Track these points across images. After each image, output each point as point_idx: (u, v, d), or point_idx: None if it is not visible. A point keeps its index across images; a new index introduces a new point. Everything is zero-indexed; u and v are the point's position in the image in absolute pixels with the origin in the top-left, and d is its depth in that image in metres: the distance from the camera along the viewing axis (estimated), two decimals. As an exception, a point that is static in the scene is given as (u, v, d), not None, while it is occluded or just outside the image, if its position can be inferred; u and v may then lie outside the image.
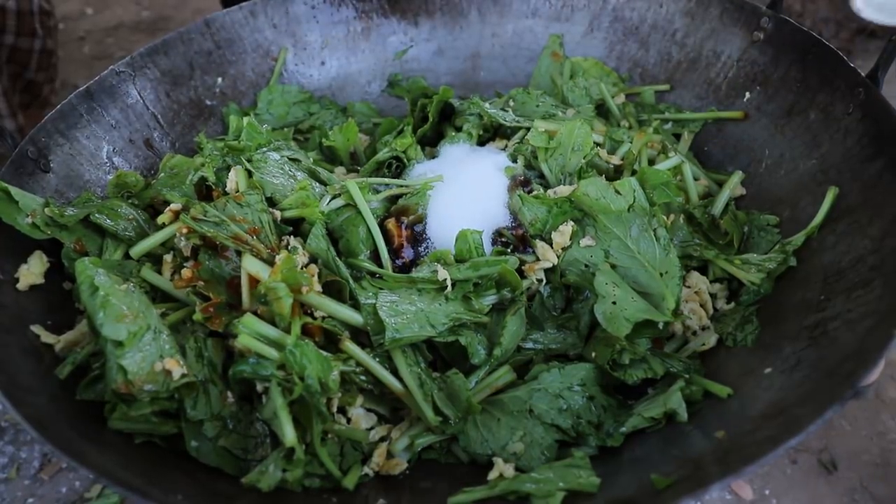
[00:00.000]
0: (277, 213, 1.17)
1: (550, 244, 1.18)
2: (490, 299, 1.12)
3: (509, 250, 1.20)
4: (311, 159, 1.37)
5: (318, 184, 1.27)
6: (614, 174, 1.31)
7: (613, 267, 1.12)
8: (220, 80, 1.58)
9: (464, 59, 1.72)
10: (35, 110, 1.97)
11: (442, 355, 1.12)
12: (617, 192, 1.14)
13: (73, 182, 1.30)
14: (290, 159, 1.29)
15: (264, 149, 1.28)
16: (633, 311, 1.05)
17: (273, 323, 1.00)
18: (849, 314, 0.98)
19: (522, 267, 1.17)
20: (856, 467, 1.16)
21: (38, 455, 1.24)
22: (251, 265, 1.03)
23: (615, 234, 1.14)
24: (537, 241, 1.18)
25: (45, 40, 1.92)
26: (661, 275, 1.10)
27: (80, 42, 2.59)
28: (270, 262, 1.06)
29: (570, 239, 1.17)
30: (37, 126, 1.26)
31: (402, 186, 1.28)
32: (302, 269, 1.07)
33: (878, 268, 1.00)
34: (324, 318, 1.05)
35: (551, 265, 1.16)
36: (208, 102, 1.57)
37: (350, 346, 1.02)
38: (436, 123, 1.49)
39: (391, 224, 1.22)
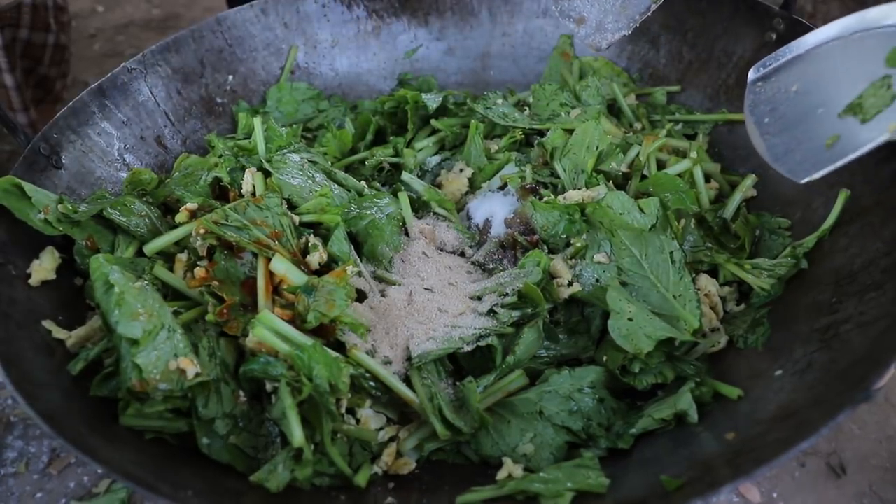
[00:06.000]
0: (296, 218, 1.17)
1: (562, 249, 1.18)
2: (516, 314, 1.12)
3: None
4: (330, 162, 1.38)
5: (336, 185, 1.27)
6: (622, 180, 1.31)
7: (624, 284, 1.12)
8: (230, 77, 1.59)
9: (474, 59, 1.72)
10: (47, 106, 1.98)
11: (460, 363, 1.12)
12: (641, 210, 1.14)
13: (85, 179, 1.30)
14: (308, 161, 1.30)
15: (284, 150, 1.28)
16: (654, 328, 1.05)
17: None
18: (861, 317, 0.97)
19: (548, 285, 1.16)
20: (865, 471, 1.15)
21: (46, 450, 1.25)
22: (280, 266, 1.04)
23: (631, 251, 1.13)
24: (554, 259, 1.18)
25: (59, 35, 1.93)
26: (675, 297, 1.10)
27: (90, 39, 2.60)
28: (295, 265, 1.07)
29: (582, 252, 1.17)
30: (49, 123, 1.27)
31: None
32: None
33: (890, 270, 0.99)
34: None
35: (567, 282, 1.16)
36: (219, 100, 1.57)
37: (358, 356, 1.02)
38: (417, 128, 1.51)
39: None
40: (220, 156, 1.31)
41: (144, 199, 1.24)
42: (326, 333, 1.02)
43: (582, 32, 1.30)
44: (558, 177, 1.29)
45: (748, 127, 1.10)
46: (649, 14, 1.27)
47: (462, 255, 1.28)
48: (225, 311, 1.03)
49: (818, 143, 1.01)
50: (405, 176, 1.35)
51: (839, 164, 0.98)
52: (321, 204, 1.17)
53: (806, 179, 1.01)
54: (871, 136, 0.95)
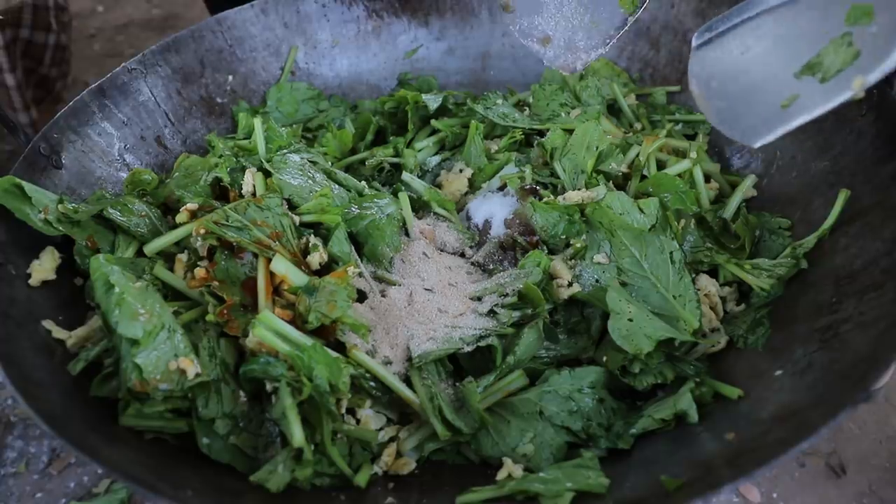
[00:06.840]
0: (296, 218, 1.17)
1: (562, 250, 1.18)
2: (516, 314, 1.12)
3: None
4: (330, 163, 1.38)
5: (336, 186, 1.27)
6: (622, 181, 1.31)
7: (624, 285, 1.12)
8: (230, 77, 1.59)
9: (473, 59, 1.72)
10: (48, 105, 1.98)
11: (460, 364, 1.12)
12: (641, 210, 1.14)
13: (85, 179, 1.30)
14: (309, 161, 1.30)
15: (284, 150, 1.29)
16: (653, 329, 1.04)
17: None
18: (861, 317, 0.97)
19: (548, 285, 1.16)
20: (865, 471, 1.15)
21: (46, 450, 1.25)
22: (281, 267, 1.04)
23: (630, 252, 1.13)
24: (554, 259, 1.18)
25: (59, 35, 1.93)
26: (675, 297, 1.09)
27: (90, 39, 2.60)
28: (296, 266, 1.07)
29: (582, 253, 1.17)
30: (49, 123, 1.27)
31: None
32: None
33: (890, 271, 0.99)
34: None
35: (567, 282, 1.16)
36: (219, 100, 1.57)
37: (358, 356, 1.02)
38: (417, 128, 1.52)
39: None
40: (220, 156, 1.31)
41: (145, 199, 1.24)
42: (327, 334, 1.02)
43: (550, 53, 1.20)
44: (558, 177, 1.29)
45: (693, 94, 1.03)
46: (627, 28, 1.19)
47: (462, 255, 1.29)
48: (225, 311, 1.03)
49: (773, 104, 0.94)
50: (405, 176, 1.35)
51: (798, 122, 0.92)
52: (321, 204, 1.18)
53: (760, 143, 0.95)
54: (834, 94, 0.90)
